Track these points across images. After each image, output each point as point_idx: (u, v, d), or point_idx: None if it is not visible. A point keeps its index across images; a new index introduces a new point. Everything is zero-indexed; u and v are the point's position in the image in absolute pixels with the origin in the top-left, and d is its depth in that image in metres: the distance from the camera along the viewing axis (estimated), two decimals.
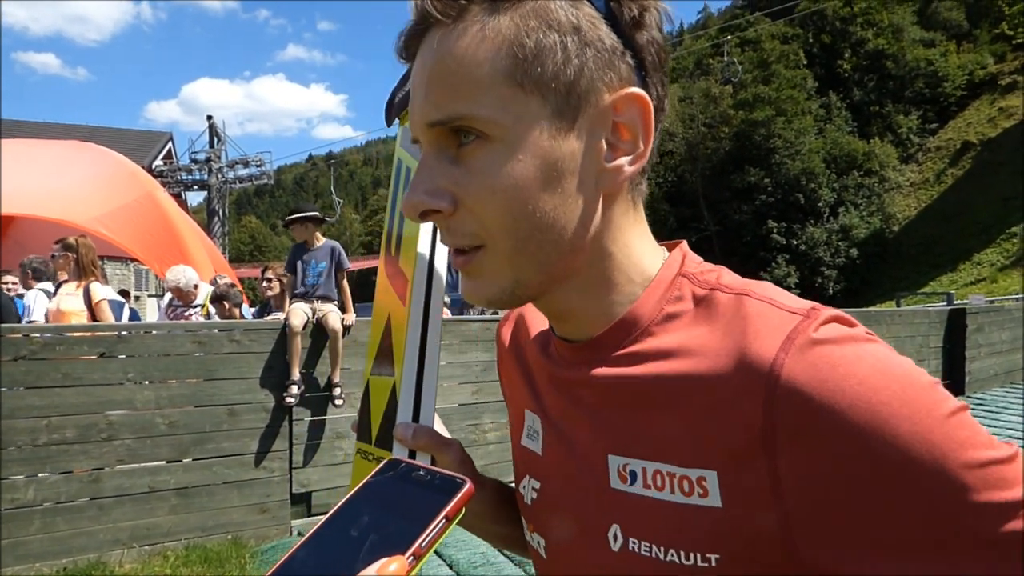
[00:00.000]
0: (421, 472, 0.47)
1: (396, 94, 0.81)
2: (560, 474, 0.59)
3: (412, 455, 0.66)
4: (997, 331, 7.69)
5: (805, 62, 34.41)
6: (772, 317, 0.47)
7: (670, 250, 0.58)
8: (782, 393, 0.43)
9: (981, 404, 6.59)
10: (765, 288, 0.50)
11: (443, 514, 0.43)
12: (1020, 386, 7.50)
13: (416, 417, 0.68)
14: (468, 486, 0.45)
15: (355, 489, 0.47)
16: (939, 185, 32.40)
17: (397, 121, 0.82)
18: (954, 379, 7.23)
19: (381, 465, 0.49)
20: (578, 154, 0.49)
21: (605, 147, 0.50)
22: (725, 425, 0.45)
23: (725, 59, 33.10)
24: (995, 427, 5.59)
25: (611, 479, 0.53)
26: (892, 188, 32.84)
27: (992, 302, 12.90)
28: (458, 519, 0.44)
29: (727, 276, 0.54)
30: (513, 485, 0.72)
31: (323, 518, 0.45)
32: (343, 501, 0.46)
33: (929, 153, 34.13)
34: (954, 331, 7.30)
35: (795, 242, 29.93)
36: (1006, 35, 34.53)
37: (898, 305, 15.02)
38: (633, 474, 0.51)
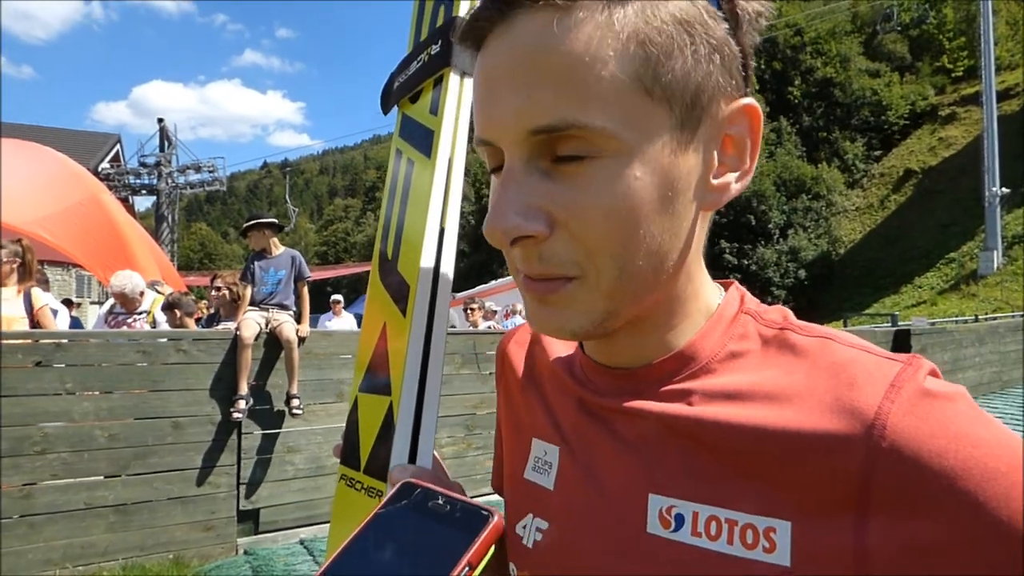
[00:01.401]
0: (440, 501, 0.41)
1: (395, 80, 0.75)
2: (579, 514, 0.50)
3: None
4: (939, 352, 7.95)
5: (758, 87, 35.51)
6: (868, 363, 0.42)
7: (725, 287, 0.54)
8: (887, 446, 0.38)
9: None
10: (846, 334, 0.46)
11: (466, 559, 0.36)
12: None
13: (413, 454, 0.61)
14: (496, 520, 0.38)
15: (365, 522, 0.40)
16: (883, 210, 33.77)
17: (396, 108, 0.76)
18: None
19: (393, 491, 0.42)
20: (695, 171, 0.44)
21: (716, 162, 0.45)
22: (808, 474, 0.40)
23: None
24: None
25: (648, 522, 0.45)
26: (839, 212, 34.03)
27: (933, 324, 13.46)
28: (485, 563, 0.37)
29: (794, 318, 0.49)
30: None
31: (325, 562, 0.38)
32: (351, 538, 0.39)
33: (873, 179, 35.59)
34: (899, 351, 7.44)
35: (746, 262, 30.64)
36: (946, 68, 36.44)
37: (845, 325, 15.54)
38: (680, 518, 0.44)
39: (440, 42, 0.66)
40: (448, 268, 0.65)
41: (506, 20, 0.42)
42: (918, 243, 29.38)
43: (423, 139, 0.68)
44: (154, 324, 4.45)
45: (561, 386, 0.57)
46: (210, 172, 24.40)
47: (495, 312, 9.88)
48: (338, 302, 8.90)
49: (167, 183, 23.39)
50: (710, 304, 0.50)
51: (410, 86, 0.72)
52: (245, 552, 3.77)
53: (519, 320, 10.32)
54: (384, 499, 0.41)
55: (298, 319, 4.17)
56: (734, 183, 0.46)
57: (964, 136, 33.00)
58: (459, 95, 0.66)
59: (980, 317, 16.67)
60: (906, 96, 35.81)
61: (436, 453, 0.63)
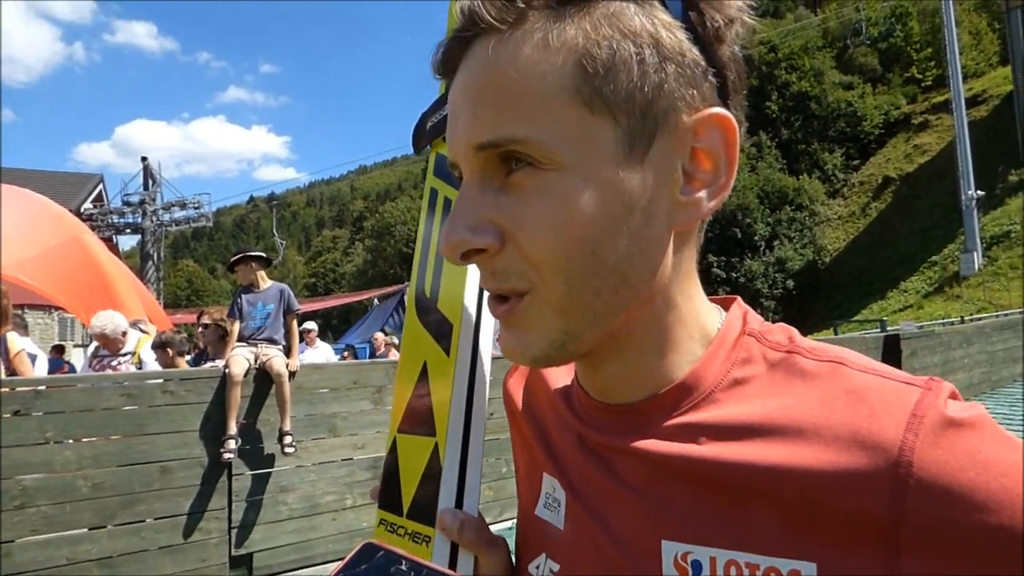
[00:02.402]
0: (403, 566, 0.38)
1: (428, 119, 0.74)
2: (590, 559, 0.48)
3: (455, 550, 0.56)
4: (929, 355, 8.03)
5: None
6: (886, 391, 0.40)
7: (724, 306, 0.51)
8: (915, 483, 0.36)
9: None
10: (857, 355, 0.44)
11: None
12: None
13: (460, 498, 0.58)
14: None
15: None
16: (864, 218, 34.31)
17: (428, 147, 0.75)
18: None
19: (352, 554, 0.40)
20: (650, 186, 0.42)
21: (682, 178, 0.43)
22: (832, 514, 0.38)
23: None
24: None
25: (663, 570, 0.43)
26: (822, 221, 34.50)
27: (921, 327, 13.55)
28: None
29: (800, 338, 0.47)
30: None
31: None
32: None
33: (854, 188, 36.21)
34: (890, 356, 7.53)
35: (734, 275, 30.88)
36: (916, 78, 37.42)
37: (836, 333, 15.59)
38: (697, 565, 0.42)
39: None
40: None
41: (466, 48, 0.44)
42: (900, 248, 29.81)
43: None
44: (140, 365, 4.32)
45: (560, 419, 0.55)
46: (195, 208, 24.32)
47: None
48: (311, 331, 8.42)
49: (152, 221, 23.22)
50: (707, 328, 0.48)
51: (444, 127, 0.71)
52: None
53: None
54: (343, 561, 0.40)
55: (287, 353, 4.07)
56: (707, 200, 0.44)
57: (938, 142, 33.73)
58: None
59: (966, 318, 16.80)
60: (879, 106, 36.62)
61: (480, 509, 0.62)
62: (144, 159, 24.14)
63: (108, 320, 4.32)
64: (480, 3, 0.41)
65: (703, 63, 0.42)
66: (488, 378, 0.62)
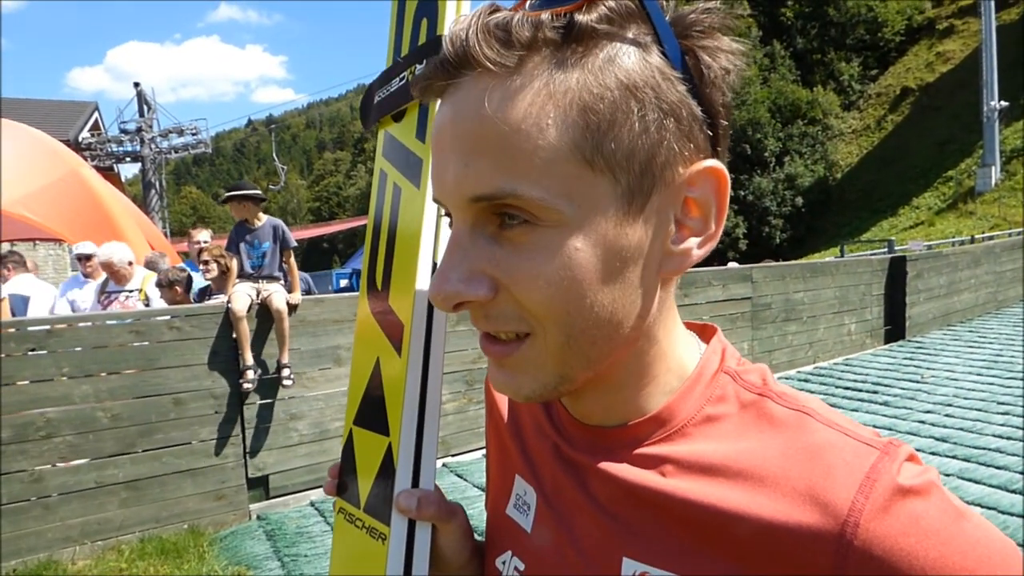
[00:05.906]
0: None
1: (375, 94, 0.70)
2: (554, 564, 0.51)
3: (412, 525, 0.58)
4: (935, 276, 8.01)
5: (749, 11, 34.39)
6: (845, 449, 0.41)
7: (699, 333, 0.52)
8: (859, 544, 0.37)
9: (920, 348, 6.89)
10: (824, 408, 0.45)
11: None
12: (956, 329, 7.85)
13: (416, 481, 0.60)
14: None
15: None
16: (879, 132, 33.27)
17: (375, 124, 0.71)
18: (896, 325, 7.53)
19: None
20: (646, 240, 0.42)
21: (674, 227, 0.44)
22: (782, 562, 0.40)
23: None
24: (934, 368, 5.87)
25: None
26: (835, 136, 33.51)
27: (931, 247, 13.41)
28: None
29: (773, 381, 0.48)
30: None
31: None
32: None
33: (870, 100, 34.92)
34: (895, 278, 7.55)
35: (743, 193, 30.40)
36: None
37: (842, 253, 15.50)
38: None
39: (425, 63, 0.62)
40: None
41: (454, 82, 0.41)
42: (915, 163, 29.05)
43: (411, 167, 0.64)
44: (147, 302, 4.43)
45: (538, 426, 0.57)
46: (193, 135, 23.92)
47: None
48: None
49: (150, 149, 22.90)
50: (683, 361, 0.49)
51: (392, 105, 0.67)
52: (258, 517, 3.88)
53: None
54: None
55: (289, 289, 4.15)
56: (696, 248, 0.44)
57: (962, 49, 32.19)
58: None
59: (976, 237, 16.61)
60: (902, 11, 34.74)
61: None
62: (137, 84, 23.53)
63: (114, 251, 4.37)
64: (476, 43, 0.39)
65: (700, 114, 0.42)
66: (441, 378, 0.62)
